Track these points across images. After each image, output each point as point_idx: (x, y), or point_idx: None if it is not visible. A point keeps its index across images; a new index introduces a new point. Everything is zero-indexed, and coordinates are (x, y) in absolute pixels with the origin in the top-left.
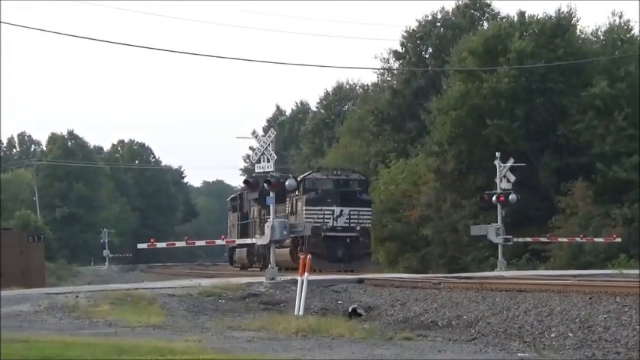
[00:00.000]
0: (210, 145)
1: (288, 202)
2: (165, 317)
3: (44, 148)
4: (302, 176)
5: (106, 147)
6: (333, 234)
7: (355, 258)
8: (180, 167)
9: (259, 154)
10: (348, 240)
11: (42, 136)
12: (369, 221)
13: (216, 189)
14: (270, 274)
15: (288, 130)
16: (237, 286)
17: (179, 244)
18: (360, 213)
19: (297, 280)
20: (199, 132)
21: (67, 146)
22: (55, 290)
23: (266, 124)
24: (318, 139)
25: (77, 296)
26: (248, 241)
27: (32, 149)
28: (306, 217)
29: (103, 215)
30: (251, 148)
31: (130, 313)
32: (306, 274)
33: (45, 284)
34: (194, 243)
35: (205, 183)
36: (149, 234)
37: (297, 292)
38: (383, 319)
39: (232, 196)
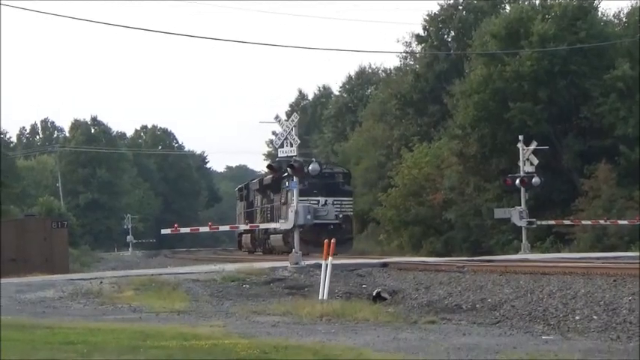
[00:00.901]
0: (234, 130)
1: (282, 194)
2: (189, 302)
3: (67, 135)
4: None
5: (129, 133)
6: (318, 221)
7: (338, 243)
8: (204, 152)
9: (282, 138)
10: (332, 227)
11: (65, 123)
12: (351, 210)
13: (239, 174)
14: (294, 258)
15: (311, 115)
16: (261, 270)
17: (203, 229)
18: (343, 202)
19: (321, 265)
20: (222, 117)
21: (90, 132)
22: (78, 276)
23: (289, 109)
24: (340, 123)
25: (101, 282)
26: (273, 225)
27: (55, 135)
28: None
29: (126, 201)
30: (274, 132)
31: (154, 298)
32: (330, 258)
33: (69, 270)
34: (218, 228)
35: (228, 168)
36: (172, 219)
37: (322, 277)
38: (407, 302)
39: (239, 186)
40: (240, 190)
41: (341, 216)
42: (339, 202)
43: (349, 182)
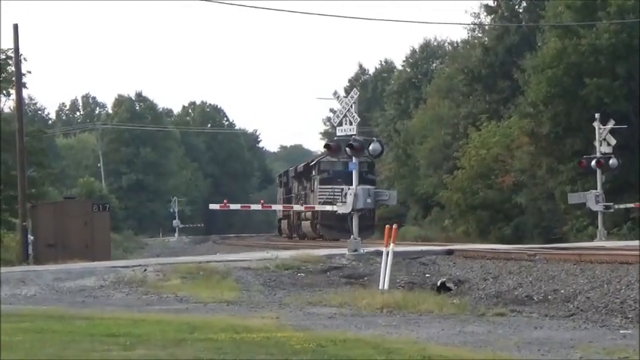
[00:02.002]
0: (288, 107)
1: (311, 182)
2: (239, 292)
3: (110, 111)
4: (316, 159)
5: (176, 109)
6: None
7: (361, 229)
8: (256, 131)
9: (341, 116)
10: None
11: (107, 98)
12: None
13: (294, 154)
14: (352, 245)
15: (372, 91)
16: (317, 258)
17: (254, 207)
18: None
19: (381, 252)
20: (276, 93)
21: (135, 109)
22: (121, 263)
23: (348, 84)
24: (403, 99)
25: (145, 270)
26: (304, 208)
27: (97, 112)
28: (320, 195)
29: (173, 183)
30: (332, 110)
31: (202, 287)
32: (391, 245)
33: (110, 257)
34: (270, 207)
35: (282, 148)
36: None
37: (382, 265)
38: (474, 293)
39: (280, 173)
40: (280, 176)
41: None
42: None
43: (373, 171)
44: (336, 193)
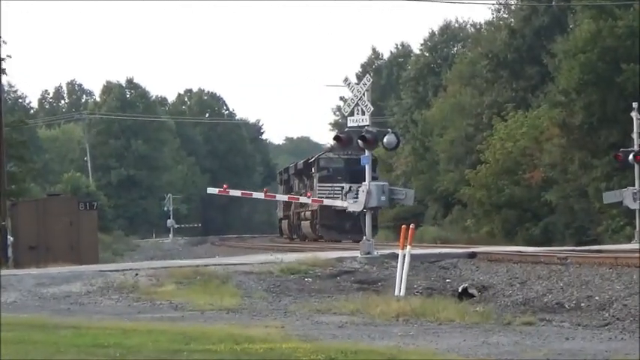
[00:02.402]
0: (295, 95)
1: (310, 179)
2: (241, 299)
3: (97, 99)
4: (316, 156)
5: (171, 97)
6: (342, 208)
7: (361, 230)
8: (259, 121)
9: (352, 105)
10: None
11: (95, 86)
12: None
13: (301, 147)
14: (365, 247)
15: (387, 77)
16: (326, 261)
17: (257, 194)
18: None
19: (397, 255)
20: (282, 81)
21: (125, 96)
22: (110, 267)
23: (360, 70)
24: (421, 87)
25: (137, 274)
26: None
27: (83, 100)
28: (319, 193)
29: (167, 178)
30: (342, 98)
31: (200, 293)
32: (408, 247)
33: (98, 260)
34: (274, 196)
35: (288, 140)
36: (222, 200)
37: (398, 269)
38: (499, 300)
39: (280, 170)
40: (280, 173)
41: None
42: None
43: (376, 169)
44: (335, 192)
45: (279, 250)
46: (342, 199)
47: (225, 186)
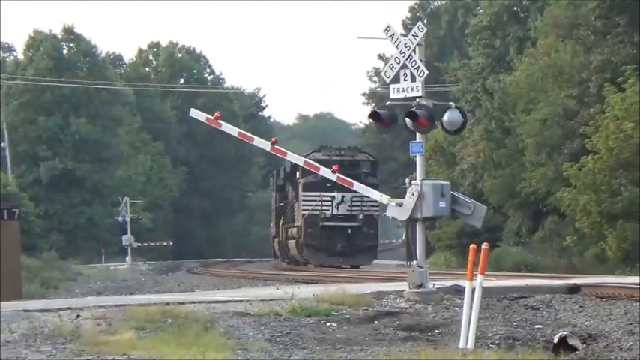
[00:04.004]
0: (310, 53)
1: (294, 185)
2: (232, 353)
3: (20, 57)
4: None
5: (129, 55)
6: (332, 224)
7: (358, 251)
8: (258, 91)
9: (397, 66)
10: (350, 230)
11: (17, 37)
12: (376, 209)
13: (319, 128)
14: (415, 277)
15: (447, 27)
16: (358, 298)
17: (260, 142)
18: (365, 199)
19: (462, 289)
20: (290, 34)
21: (61, 53)
22: (39, 305)
23: (409, 17)
24: (499, 40)
25: (78, 315)
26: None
27: None
28: (304, 205)
29: (123, 174)
30: (382, 57)
31: (171, 345)
32: (479, 277)
33: (21, 294)
34: (285, 153)
35: (301, 118)
36: (203, 207)
37: (464, 309)
38: (614, 355)
39: (273, 172)
40: (272, 176)
41: (361, 217)
42: (360, 200)
43: (375, 173)
44: (324, 203)
45: (287, 281)
46: (332, 212)
47: (217, 114)
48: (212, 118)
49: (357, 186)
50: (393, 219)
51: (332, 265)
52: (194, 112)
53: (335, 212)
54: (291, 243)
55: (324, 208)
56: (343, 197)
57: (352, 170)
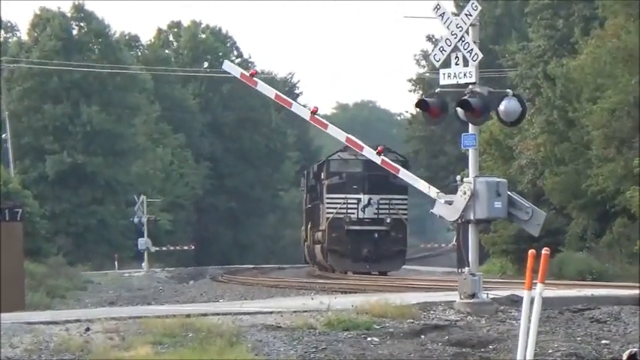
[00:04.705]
0: (349, 36)
1: (322, 184)
2: None
3: (24, 38)
4: (326, 158)
5: (146, 36)
6: (358, 227)
7: (385, 257)
8: (292, 76)
9: (448, 49)
10: (376, 235)
11: (21, 16)
12: (405, 212)
13: (360, 118)
14: (467, 286)
15: (504, 4)
16: (402, 309)
17: (298, 108)
18: (393, 202)
19: (519, 299)
20: (327, 13)
21: (70, 34)
22: (44, 317)
23: None
24: (562, 20)
25: (88, 329)
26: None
27: (1, 40)
28: (328, 208)
29: (139, 170)
30: (431, 38)
31: None
32: (539, 286)
33: (24, 304)
34: (326, 125)
35: (340, 107)
36: (230, 205)
37: (522, 323)
38: None
39: (305, 171)
40: (303, 176)
41: (389, 220)
42: (388, 202)
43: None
44: (350, 206)
45: (323, 290)
46: (358, 215)
47: (252, 71)
48: (247, 74)
49: (403, 173)
50: (440, 218)
51: (357, 271)
52: (227, 65)
53: (361, 215)
54: (317, 248)
55: (349, 211)
56: (370, 199)
57: (380, 170)
